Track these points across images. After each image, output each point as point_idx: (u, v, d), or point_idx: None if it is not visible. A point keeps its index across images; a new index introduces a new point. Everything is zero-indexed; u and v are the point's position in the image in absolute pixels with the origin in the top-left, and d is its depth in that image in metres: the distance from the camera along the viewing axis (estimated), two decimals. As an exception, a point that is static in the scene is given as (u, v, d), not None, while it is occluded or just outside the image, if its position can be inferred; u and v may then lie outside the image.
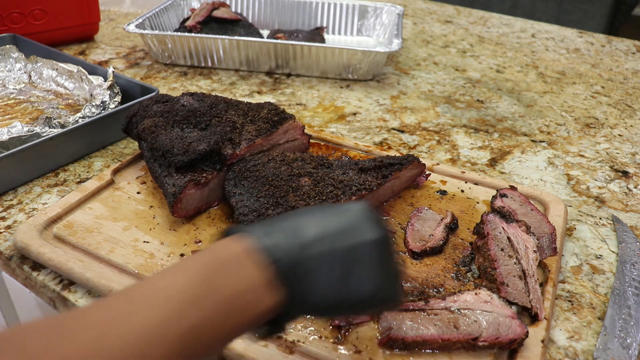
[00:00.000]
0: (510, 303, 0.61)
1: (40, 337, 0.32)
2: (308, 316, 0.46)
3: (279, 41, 1.24)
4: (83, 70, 1.07)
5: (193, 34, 1.27)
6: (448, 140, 1.04)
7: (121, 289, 0.36)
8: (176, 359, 0.35)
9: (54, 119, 0.90)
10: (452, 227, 0.75)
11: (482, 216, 0.71)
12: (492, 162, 0.97)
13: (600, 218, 0.84)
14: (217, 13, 1.39)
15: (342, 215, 0.45)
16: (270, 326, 0.42)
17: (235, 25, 1.40)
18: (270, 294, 0.40)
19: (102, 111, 0.95)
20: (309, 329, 0.59)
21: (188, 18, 1.40)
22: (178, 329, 0.35)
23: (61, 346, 0.31)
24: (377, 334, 0.59)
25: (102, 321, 0.34)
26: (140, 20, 1.32)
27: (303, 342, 0.57)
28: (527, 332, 0.56)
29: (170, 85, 1.22)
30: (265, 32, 1.51)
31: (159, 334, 0.34)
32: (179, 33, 1.28)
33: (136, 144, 0.96)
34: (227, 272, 0.39)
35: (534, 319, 0.61)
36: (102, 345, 0.32)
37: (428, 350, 0.57)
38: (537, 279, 0.64)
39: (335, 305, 0.42)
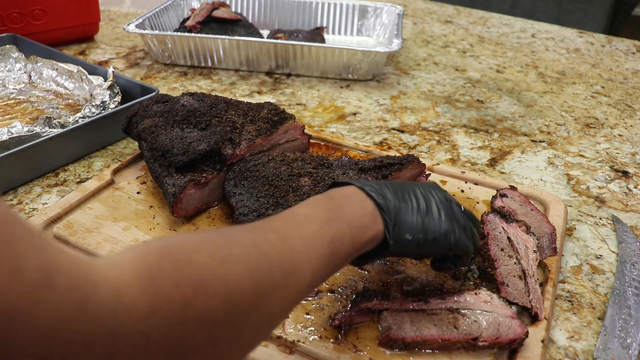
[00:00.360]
0: (510, 303, 0.61)
1: (245, 234, 0.42)
2: (399, 251, 0.55)
3: (279, 41, 1.24)
4: (83, 70, 1.07)
5: (193, 34, 1.27)
6: (448, 140, 1.04)
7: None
8: (328, 259, 0.46)
9: (54, 119, 0.90)
10: (452, 227, 0.74)
11: (482, 216, 0.71)
12: (492, 162, 0.97)
13: (600, 218, 0.84)
14: (217, 13, 1.39)
15: (416, 184, 0.59)
16: (374, 254, 0.54)
17: (235, 25, 1.40)
18: (377, 220, 0.52)
19: (102, 111, 0.95)
20: (309, 329, 0.59)
21: (188, 18, 1.40)
22: (324, 239, 0.46)
23: (265, 244, 0.41)
24: (377, 334, 0.59)
25: (277, 229, 0.44)
26: (140, 20, 1.32)
27: (303, 342, 0.57)
28: (527, 332, 0.56)
29: (170, 85, 1.23)
30: (265, 32, 1.50)
31: (314, 241, 0.45)
32: (179, 33, 1.28)
33: (136, 144, 0.96)
34: (347, 202, 0.51)
35: (534, 319, 0.61)
36: (288, 241, 0.43)
37: (428, 350, 0.57)
38: (537, 279, 0.64)
39: (419, 240, 0.54)
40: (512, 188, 0.81)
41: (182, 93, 0.90)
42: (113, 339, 0.27)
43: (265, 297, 0.38)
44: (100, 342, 0.27)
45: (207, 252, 0.36)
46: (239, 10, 1.56)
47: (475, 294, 0.61)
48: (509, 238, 0.68)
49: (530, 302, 0.61)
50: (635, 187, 0.92)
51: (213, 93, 1.19)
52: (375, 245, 0.53)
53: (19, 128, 0.86)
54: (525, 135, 1.08)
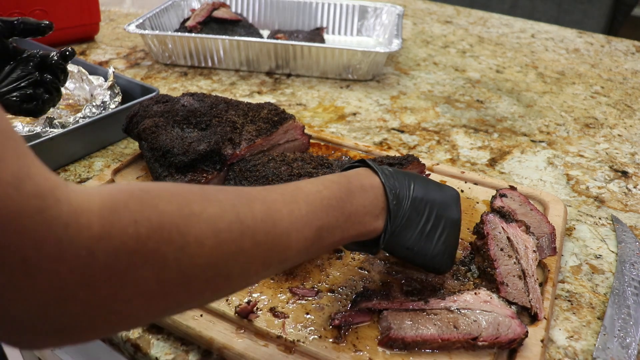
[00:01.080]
0: (510, 303, 0.61)
1: (230, 197, 0.42)
2: (386, 250, 0.58)
3: (279, 41, 1.24)
4: (83, 70, 1.07)
5: (193, 34, 1.27)
6: (448, 140, 1.04)
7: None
8: (310, 243, 0.46)
9: (55, 119, 0.90)
10: (451, 227, 0.75)
11: (481, 216, 0.72)
12: (492, 162, 0.97)
13: (599, 218, 0.84)
14: (217, 13, 1.39)
15: (441, 191, 0.59)
16: (363, 246, 0.56)
17: (235, 25, 1.40)
18: (379, 220, 0.53)
19: (103, 111, 0.95)
20: (309, 329, 0.59)
21: (188, 18, 1.41)
22: (315, 224, 0.46)
23: (245, 210, 0.41)
24: (377, 334, 0.59)
25: (268, 201, 0.44)
26: (141, 21, 1.32)
27: (303, 342, 0.57)
28: (527, 331, 0.57)
29: (170, 86, 1.23)
30: (265, 33, 1.51)
31: (302, 223, 0.45)
32: (179, 33, 1.28)
33: (136, 144, 0.96)
34: (361, 195, 0.52)
35: (533, 318, 0.61)
36: (273, 215, 0.43)
37: (428, 350, 0.57)
38: (537, 279, 0.64)
39: (410, 249, 0.56)
40: (512, 188, 0.81)
41: (183, 93, 0.90)
42: (60, 246, 0.30)
43: (226, 259, 0.39)
44: (48, 245, 0.30)
45: (176, 204, 0.37)
46: (239, 11, 1.56)
47: (475, 293, 0.61)
48: (508, 238, 0.68)
49: (529, 301, 0.61)
50: (634, 187, 0.92)
51: (213, 93, 1.19)
52: (365, 239, 0.54)
53: (19, 128, 0.86)
54: (525, 135, 1.08)
